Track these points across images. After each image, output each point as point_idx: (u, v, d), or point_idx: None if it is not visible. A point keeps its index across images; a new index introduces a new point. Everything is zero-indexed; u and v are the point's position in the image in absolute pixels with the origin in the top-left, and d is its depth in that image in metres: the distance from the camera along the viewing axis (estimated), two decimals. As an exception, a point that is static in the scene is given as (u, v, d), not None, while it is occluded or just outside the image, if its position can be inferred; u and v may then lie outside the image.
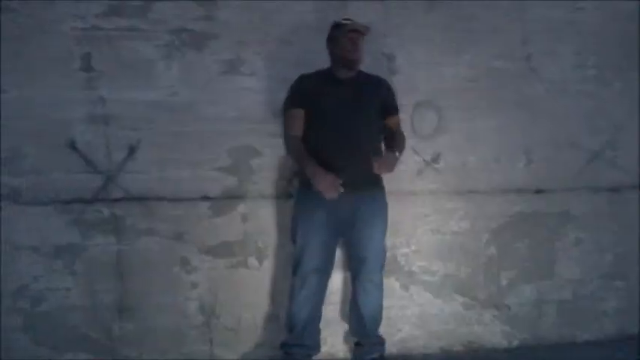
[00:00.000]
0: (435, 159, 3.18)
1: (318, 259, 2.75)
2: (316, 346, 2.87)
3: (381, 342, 2.90)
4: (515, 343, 3.27)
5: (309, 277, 2.75)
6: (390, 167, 2.68)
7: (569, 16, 3.29)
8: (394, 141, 2.82)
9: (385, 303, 2.92)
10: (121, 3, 2.89)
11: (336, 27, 2.76)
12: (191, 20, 2.95)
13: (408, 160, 3.13)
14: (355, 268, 2.84)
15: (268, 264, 3.04)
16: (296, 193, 2.87)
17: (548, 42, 3.26)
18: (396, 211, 3.09)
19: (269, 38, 3.02)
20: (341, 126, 2.70)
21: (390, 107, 2.86)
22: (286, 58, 3.00)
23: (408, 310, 3.17)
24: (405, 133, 2.91)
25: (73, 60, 2.86)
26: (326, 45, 2.81)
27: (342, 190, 2.59)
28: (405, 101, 3.08)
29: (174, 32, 2.94)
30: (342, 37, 2.73)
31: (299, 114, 2.75)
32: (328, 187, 2.58)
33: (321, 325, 2.90)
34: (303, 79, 2.79)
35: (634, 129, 3.35)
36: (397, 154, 2.75)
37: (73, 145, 2.87)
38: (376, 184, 2.81)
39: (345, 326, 3.06)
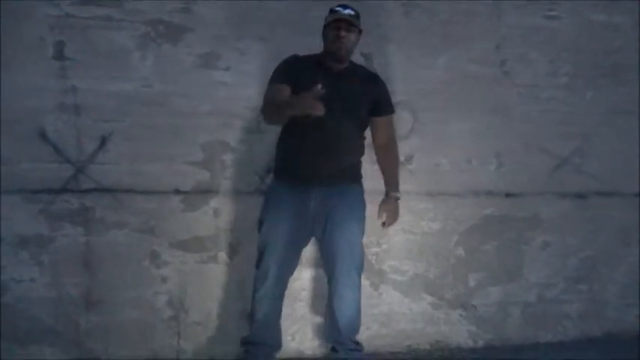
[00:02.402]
0: (408, 160, 3.21)
1: (281, 254, 2.64)
2: (277, 345, 2.80)
3: (358, 349, 2.78)
4: (481, 343, 3.32)
5: (270, 271, 2.64)
6: (397, 215, 2.77)
7: (543, 24, 3.34)
8: (388, 165, 2.78)
9: (355, 302, 2.93)
10: (96, -8, 2.86)
11: (329, 13, 2.64)
12: (168, 12, 2.91)
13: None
14: (329, 270, 2.71)
15: (239, 260, 3.03)
16: (269, 185, 2.81)
17: (522, 48, 3.32)
18: (368, 211, 3.10)
19: (245, 33, 3.00)
20: (322, 118, 2.44)
21: (382, 105, 2.75)
22: (262, 54, 2.99)
23: (377, 308, 3.19)
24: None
25: (45, 48, 2.81)
26: None
27: (321, 110, 2.31)
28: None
29: (151, 23, 2.90)
30: (327, 25, 2.62)
31: (285, 88, 2.56)
32: (311, 104, 2.32)
33: (291, 322, 2.91)
34: (294, 59, 2.67)
35: (603, 137, 3.42)
36: (398, 194, 2.75)
37: (43, 135, 2.82)
38: (352, 179, 2.72)
39: (314, 323, 3.08)
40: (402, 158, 3.17)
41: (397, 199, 2.77)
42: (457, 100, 3.24)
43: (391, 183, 2.79)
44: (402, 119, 3.16)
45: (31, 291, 2.84)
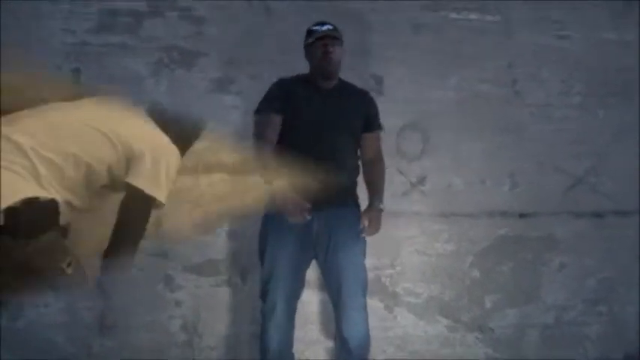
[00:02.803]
0: (421, 181, 3.20)
1: (287, 284, 2.59)
2: None
3: None
4: (499, 366, 3.27)
5: (278, 304, 2.59)
6: (379, 225, 2.65)
7: (554, 43, 3.35)
8: (374, 178, 2.71)
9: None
10: (111, 19, 2.91)
11: (308, 34, 2.65)
12: (182, 37, 2.98)
13: (394, 181, 3.14)
14: (334, 295, 2.65)
15: (252, 283, 3.01)
16: (264, 211, 2.68)
17: (534, 68, 3.32)
18: (381, 232, 3.07)
19: (256, 57, 3.04)
20: (318, 138, 2.55)
21: (372, 121, 2.73)
22: (273, 78, 3.01)
23: (392, 331, 3.16)
24: (387, 158, 2.80)
25: (62, 75, 2.86)
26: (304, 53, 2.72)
27: (308, 216, 2.42)
28: (391, 122, 3.10)
29: (165, 49, 2.96)
30: (313, 44, 2.62)
31: (276, 120, 2.60)
32: (294, 209, 2.42)
33: (303, 345, 2.89)
34: (283, 82, 2.67)
35: (617, 155, 3.39)
36: (382, 205, 2.67)
37: (58, 160, 2.85)
38: (350, 200, 2.70)
39: (327, 346, 3.05)
40: (414, 179, 3.18)
41: (380, 210, 2.68)
42: (469, 121, 3.23)
43: (375, 195, 2.70)
44: (413, 140, 3.17)
45: (45, 316, 2.85)
